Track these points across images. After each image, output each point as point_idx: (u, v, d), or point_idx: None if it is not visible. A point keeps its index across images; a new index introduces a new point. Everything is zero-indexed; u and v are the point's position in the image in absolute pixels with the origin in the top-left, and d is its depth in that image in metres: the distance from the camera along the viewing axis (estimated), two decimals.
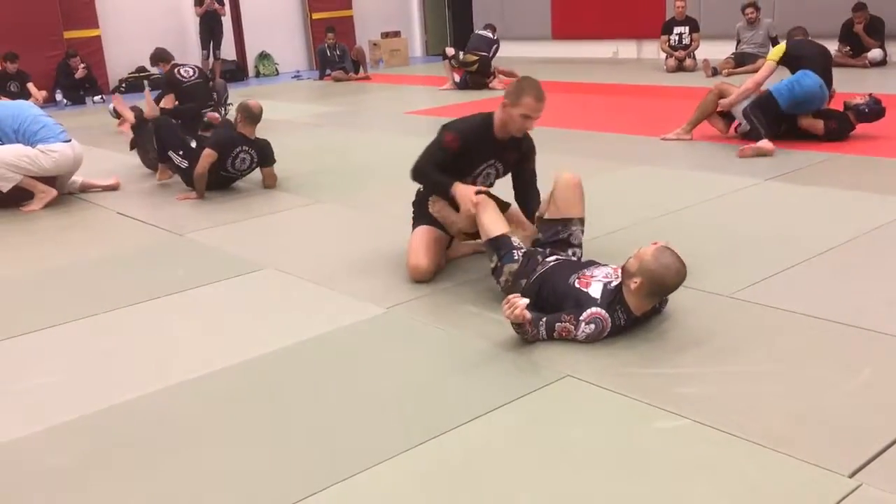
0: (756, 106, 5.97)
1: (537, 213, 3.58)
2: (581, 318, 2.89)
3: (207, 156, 5.42)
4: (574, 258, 3.33)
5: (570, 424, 2.44)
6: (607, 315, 2.89)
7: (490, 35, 10.88)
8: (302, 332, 3.21)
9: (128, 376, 2.95)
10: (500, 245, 3.28)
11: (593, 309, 2.91)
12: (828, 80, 6.10)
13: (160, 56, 7.96)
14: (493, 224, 3.33)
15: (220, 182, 5.67)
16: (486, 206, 3.39)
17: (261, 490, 2.20)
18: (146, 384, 2.85)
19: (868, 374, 2.60)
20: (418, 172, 3.73)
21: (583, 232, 3.41)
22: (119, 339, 3.33)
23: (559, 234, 3.37)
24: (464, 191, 3.49)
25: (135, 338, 3.33)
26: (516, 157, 3.74)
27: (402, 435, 2.41)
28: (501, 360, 2.87)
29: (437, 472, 2.24)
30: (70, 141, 5.70)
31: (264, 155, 5.72)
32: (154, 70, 12.80)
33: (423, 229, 3.77)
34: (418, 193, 3.94)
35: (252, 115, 5.62)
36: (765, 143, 5.76)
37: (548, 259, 3.23)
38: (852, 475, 2.08)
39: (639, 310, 2.94)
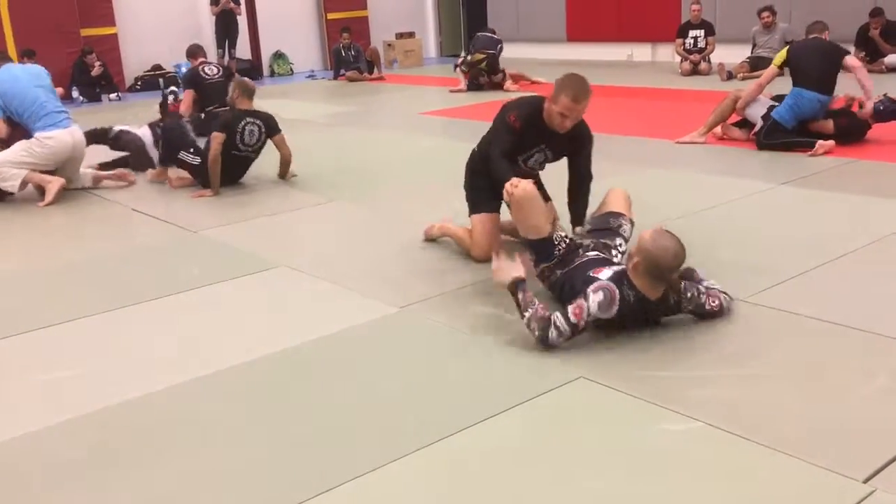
0: (770, 135, 6.00)
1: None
2: (589, 290, 2.90)
3: (216, 138, 5.48)
4: (616, 256, 3.33)
5: (583, 426, 2.44)
6: (615, 287, 2.90)
7: (494, 35, 10.96)
8: (314, 331, 3.21)
9: (143, 372, 2.97)
10: (538, 247, 3.27)
11: (601, 282, 2.94)
12: (830, 83, 6.06)
13: (191, 51, 8.05)
14: (537, 227, 3.27)
15: (234, 166, 5.70)
16: (533, 205, 3.29)
17: (273, 487, 2.21)
18: (161, 380, 2.87)
19: (884, 379, 2.59)
20: (495, 160, 3.68)
21: (630, 232, 3.45)
22: (134, 334, 3.35)
23: (610, 224, 3.47)
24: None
25: (149, 334, 3.35)
26: (565, 143, 3.77)
27: (414, 434, 2.42)
28: (514, 362, 2.87)
29: (448, 472, 2.24)
30: (70, 127, 5.71)
31: (270, 124, 5.79)
32: (170, 69, 12.89)
33: (482, 217, 3.88)
34: (468, 179, 4.00)
35: (247, 89, 5.78)
36: (821, 145, 5.77)
37: (588, 253, 3.25)
38: (866, 480, 2.07)
39: (643, 289, 2.92)
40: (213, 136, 5.51)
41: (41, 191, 5.65)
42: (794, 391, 2.55)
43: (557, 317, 2.87)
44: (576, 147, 3.78)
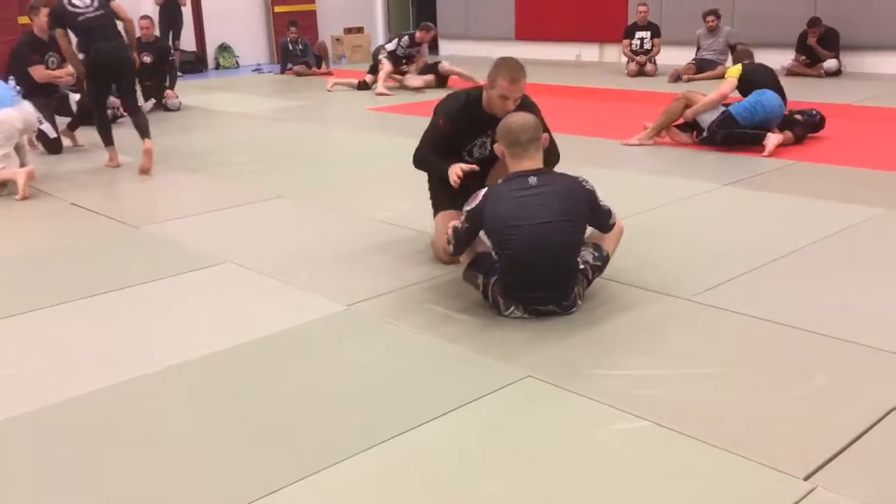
0: (723, 125, 6.14)
1: None
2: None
3: (58, 34, 5.98)
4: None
5: (530, 425, 2.44)
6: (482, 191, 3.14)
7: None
8: (261, 329, 3.16)
9: (80, 371, 2.88)
10: (479, 265, 3.26)
11: None
12: (783, 99, 6.32)
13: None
14: (465, 255, 3.32)
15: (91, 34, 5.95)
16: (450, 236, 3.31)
17: (216, 489, 2.17)
18: (99, 380, 2.79)
19: (823, 378, 2.64)
20: (418, 159, 3.88)
21: (594, 265, 3.26)
22: (71, 333, 3.25)
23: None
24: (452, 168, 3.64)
25: (88, 332, 3.25)
26: None
27: (361, 434, 2.39)
28: (462, 360, 2.86)
29: (396, 472, 2.22)
30: (15, 105, 5.60)
31: None
32: None
33: (444, 215, 3.84)
34: (430, 179, 4.02)
35: None
36: (770, 139, 5.94)
37: None
38: (807, 478, 2.11)
39: (517, 167, 3.11)
40: (57, 34, 5.91)
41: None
42: (737, 390, 2.59)
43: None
44: None
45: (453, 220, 3.56)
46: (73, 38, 6.17)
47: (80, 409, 2.62)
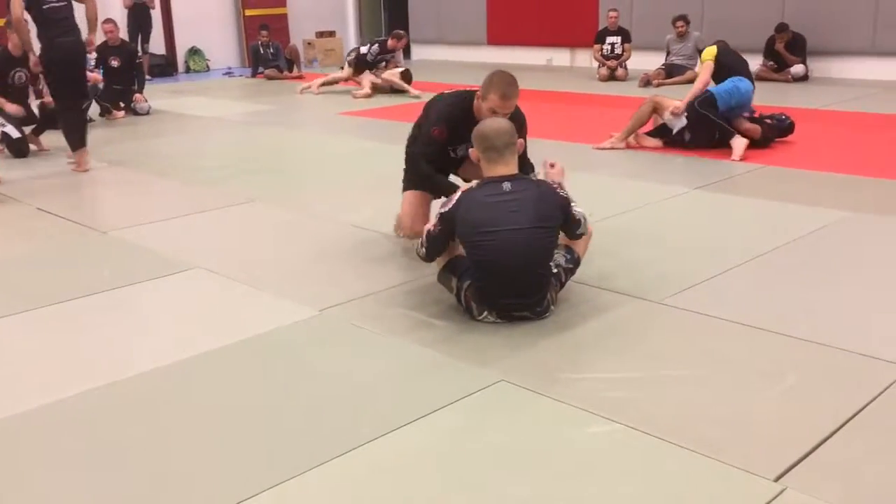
0: (704, 106, 6.19)
1: None
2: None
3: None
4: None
5: (502, 429, 2.44)
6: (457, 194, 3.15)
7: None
8: (232, 335, 3.13)
9: (48, 379, 2.83)
10: (454, 268, 3.26)
11: None
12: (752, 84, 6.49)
13: None
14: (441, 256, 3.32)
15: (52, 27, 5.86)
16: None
17: (187, 497, 2.14)
18: (67, 387, 2.74)
19: (792, 379, 2.67)
20: (419, 174, 3.89)
21: (566, 267, 3.28)
22: (38, 340, 3.20)
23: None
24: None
25: (55, 340, 3.20)
26: None
27: (332, 441, 2.37)
28: (435, 365, 2.85)
29: (368, 480, 2.21)
30: None
31: None
32: None
33: (410, 194, 3.97)
34: (407, 159, 4.04)
35: None
36: (738, 142, 6.03)
37: None
38: (777, 479, 2.13)
39: (491, 172, 3.12)
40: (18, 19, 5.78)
41: None
42: (707, 392, 2.61)
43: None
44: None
45: (422, 205, 3.84)
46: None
47: (49, 418, 2.57)
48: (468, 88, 3.80)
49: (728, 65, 6.42)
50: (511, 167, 3.13)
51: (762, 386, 2.64)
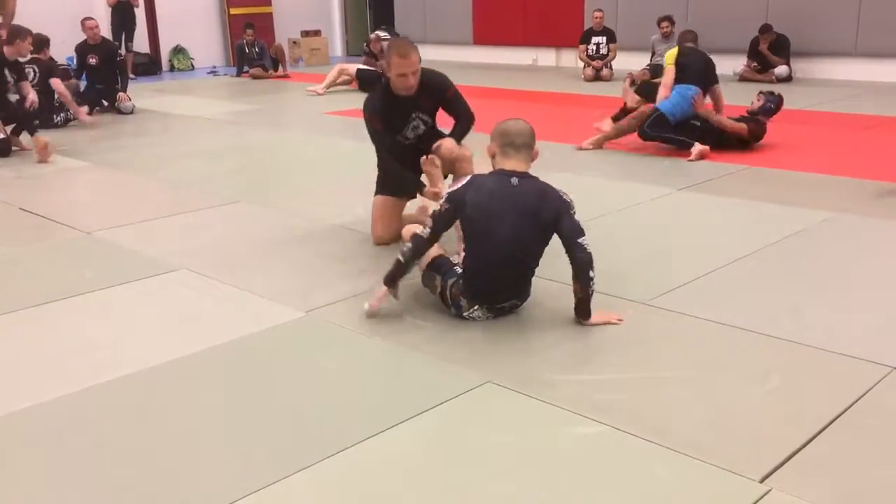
0: (655, 127, 6.27)
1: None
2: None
3: None
4: None
5: (489, 431, 2.44)
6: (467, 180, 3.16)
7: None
8: (217, 337, 3.11)
9: (30, 382, 2.81)
10: (437, 267, 3.27)
11: None
12: (711, 85, 6.57)
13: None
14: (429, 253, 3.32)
15: None
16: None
17: (173, 500, 2.12)
18: (50, 390, 2.72)
19: (777, 380, 2.69)
20: (386, 170, 4.05)
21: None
22: (22, 342, 3.17)
23: None
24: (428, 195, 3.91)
25: (39, 341, 3.17)
26: (433, 102, 3.95)
27: (318, 444, 2.36)
28: (421, 367, 2.85)
29: (354, 482, 2.20)
30: None
31: None
32: (63, 61, 12.34)
33: (379, 199, 4.09)
34: (379, 162, 4.13)
35: None
36: (696, 148, 6.07)
37: None
38: (763, 480, 2.14)
39: (504, 165, 3.13)
40: None
41: None
42: (693, 393, 2.62)
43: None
44: (440, 97, 3.95)
45: (393, 209, 4.00)
46: None
47: (29, 422, 2.55)
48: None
49: (685, 65, 6.49)
50: (522, 167, 3.16)
51: (747, 387, 2.65)
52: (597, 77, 11.25)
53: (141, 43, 13.57)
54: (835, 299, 3.38)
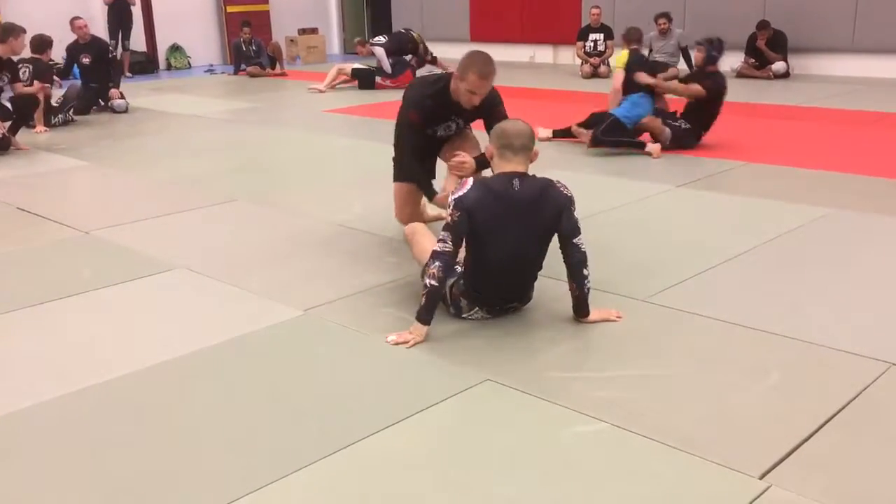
0: (610, 132, 6.33)
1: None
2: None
3: None
4: None
5: (489, 429, 2.44)
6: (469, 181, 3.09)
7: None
8: (216, 336, 3.11)
9: (28, 381, 2.80)
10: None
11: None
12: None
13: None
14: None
15: None
16: (423, 234, 3.42)
17: (168, 500, 2.12)
18: (47, 389, 2.72)
19: (776, 377, 2.69)
20: (402, 166, 4.01)
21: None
22: (20, 342, 3.16)
23: None
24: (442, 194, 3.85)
25: (37, 341, 3.17)
26: (479, 111, 3.85)
27: (317, 443, 2.36)
28: (421, 366, 2.85)
29: (354, 481, 2.20)
30: None
31: None
32: (59, 60, 12.35)
33: (398, 186, 4.09)
34: (397, 145, 4.08)
35: None
36: (650, 146, 6.20)
37: None
38: (762, 476, 2.14)
39: (505, 167, 3.10)
40: None
41: None
42: (692, 390, 2.62)
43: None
44: (488, 112, 3.86)
45: (409, 197, 4.01)
46: None
47: (28, 421, 2.55)
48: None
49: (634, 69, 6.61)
50: (522, 168, 3.13)
51: (747, 384, 2.65)
52: (594, 74, 11.25)
53: (138, 41, 13.55)
54: (833, 296, 3.39)
